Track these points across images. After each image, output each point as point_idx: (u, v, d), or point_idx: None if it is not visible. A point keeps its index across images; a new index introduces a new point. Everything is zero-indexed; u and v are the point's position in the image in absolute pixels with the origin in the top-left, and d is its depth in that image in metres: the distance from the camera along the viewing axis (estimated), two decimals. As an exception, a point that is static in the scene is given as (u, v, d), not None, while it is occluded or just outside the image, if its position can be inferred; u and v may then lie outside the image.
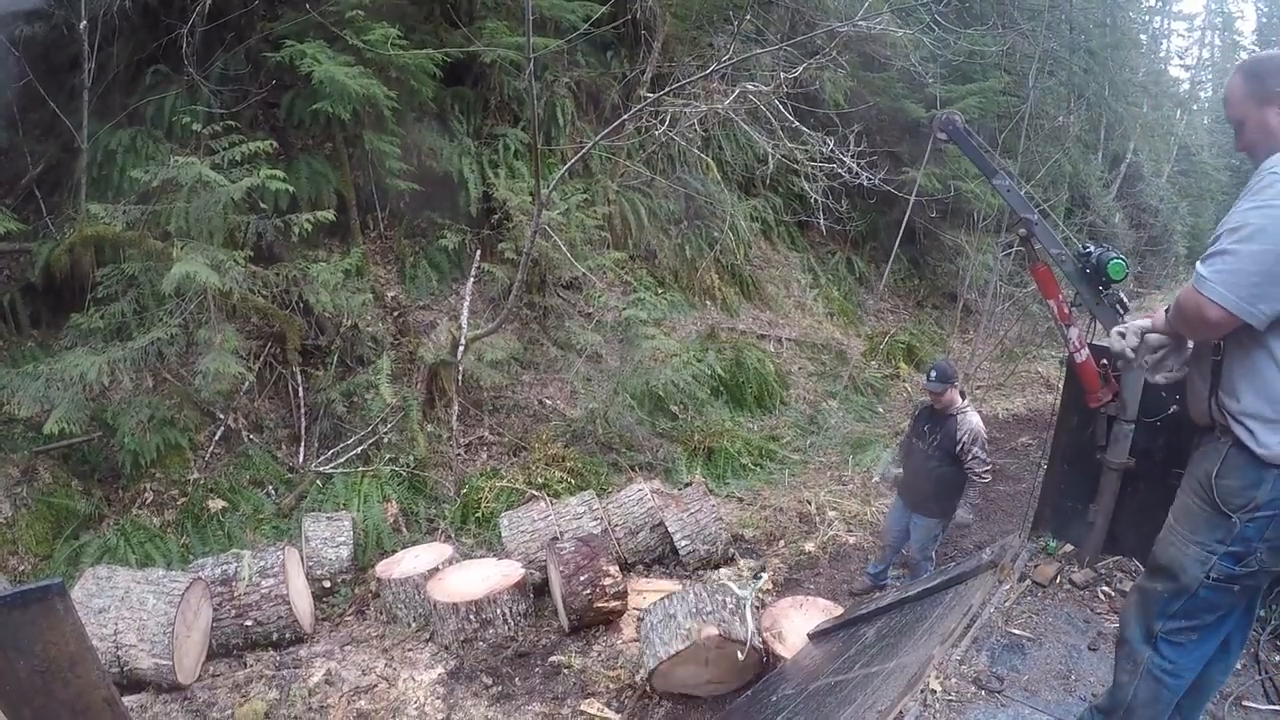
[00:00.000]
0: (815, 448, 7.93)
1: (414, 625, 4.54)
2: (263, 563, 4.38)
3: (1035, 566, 3.33)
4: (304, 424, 6.05)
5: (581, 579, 4.43)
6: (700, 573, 5.19)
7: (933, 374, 4.45)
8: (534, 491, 5.80)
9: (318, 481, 5.75)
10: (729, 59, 6.79)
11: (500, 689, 4.04)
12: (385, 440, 6.08)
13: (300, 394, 6.11)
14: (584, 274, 7.01)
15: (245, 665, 4.17)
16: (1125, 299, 3.17)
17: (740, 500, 6.55)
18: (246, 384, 5.82)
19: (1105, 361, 3.14)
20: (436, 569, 4.61)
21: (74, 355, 4.82)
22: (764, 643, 3.89)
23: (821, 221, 9.62)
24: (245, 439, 5.80)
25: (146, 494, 5.24)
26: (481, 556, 5.12)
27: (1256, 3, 32.91)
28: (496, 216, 7.30)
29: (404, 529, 5.57)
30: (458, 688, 4.03)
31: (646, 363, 6.90)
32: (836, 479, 7.16)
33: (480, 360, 6.56)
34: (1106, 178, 18.34)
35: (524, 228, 6.66)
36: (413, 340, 6.64)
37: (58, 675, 1.77)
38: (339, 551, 4.91)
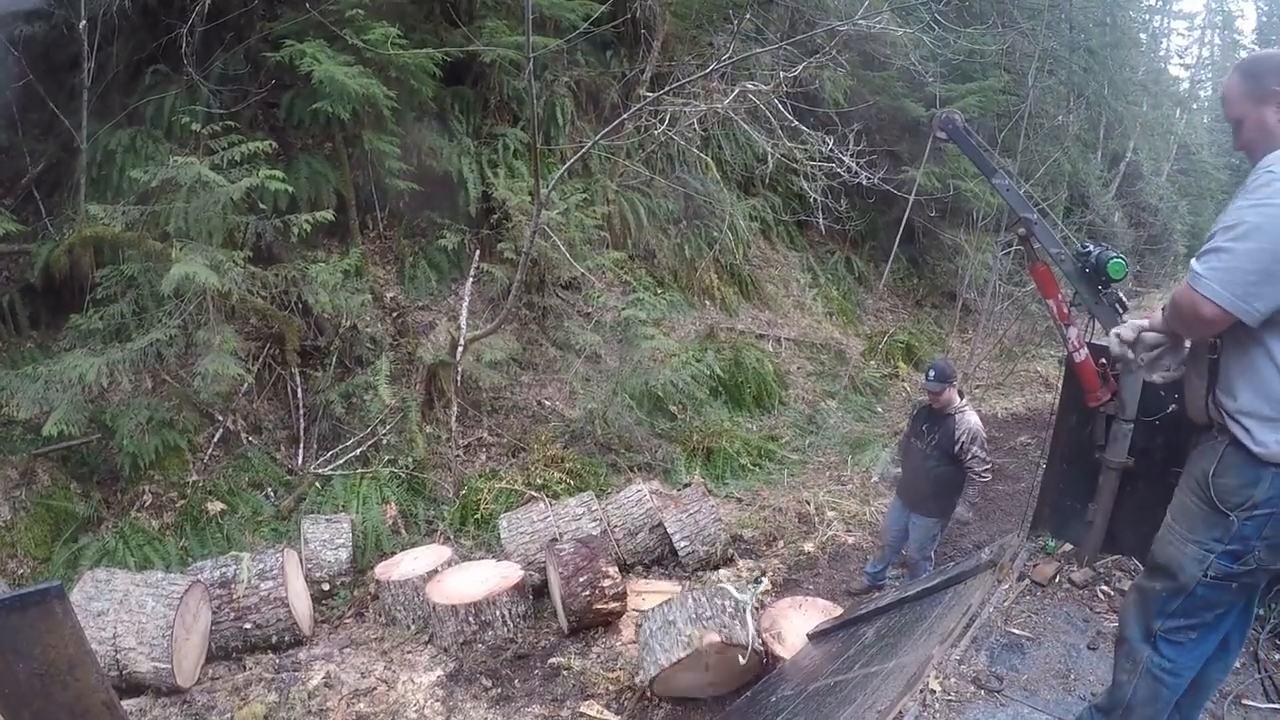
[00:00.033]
0: (814, 448, 7.93)
1: (413, 627, 4.53)
2: (262, 565, 4.38)
3: (1034, 566, 3.32)
4: (303, 425, 6.05)
5: (581, 580, 4.43)
6: (699, 574, 5.19)
7: (931, 373, 4.45)
8: (533, 493, 5.80)
9: (316, 483, 5.74)
10: (728, 58, 6.79)
11: (500, 691, 4.04)
12: (384, 442, 6.08)
13: (299, 395, 6.11)
14: (583, 274, 7.01)
15: (244, 668, 4.17)
16: (1124, 298, 3.17)
17: (739, 501, 6.55)
18: (245, 385, 5.82)
19: (1104, 361, 3.13)
20: (435, 571, 4.61)
21: (73, 356, 4.81)
22: (763, 643, 3.89)
23: (821, 221, 9.61)
24: (244, 441, 5.80)
25: (145, 496, 5.24)
26: (480, 558, 5.11)
27: (1256, 1, 32.91)
28: (496, 216, 7.29)
29: (403, 531, 5.57)
30: (457, 690, 4.03)
31: (645, 363, 6.90)
32: (835, 479, 7.16)
33: (479, 361, 6.55)
34: (1106, 177, 18.34)
35: (523, 228, 6.66)
36: (412, 341, 6.64)
37: (56, 678, 1.76)
38: (338, 554, 4.91)
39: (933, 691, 2.54)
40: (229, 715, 3.79)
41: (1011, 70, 12.49)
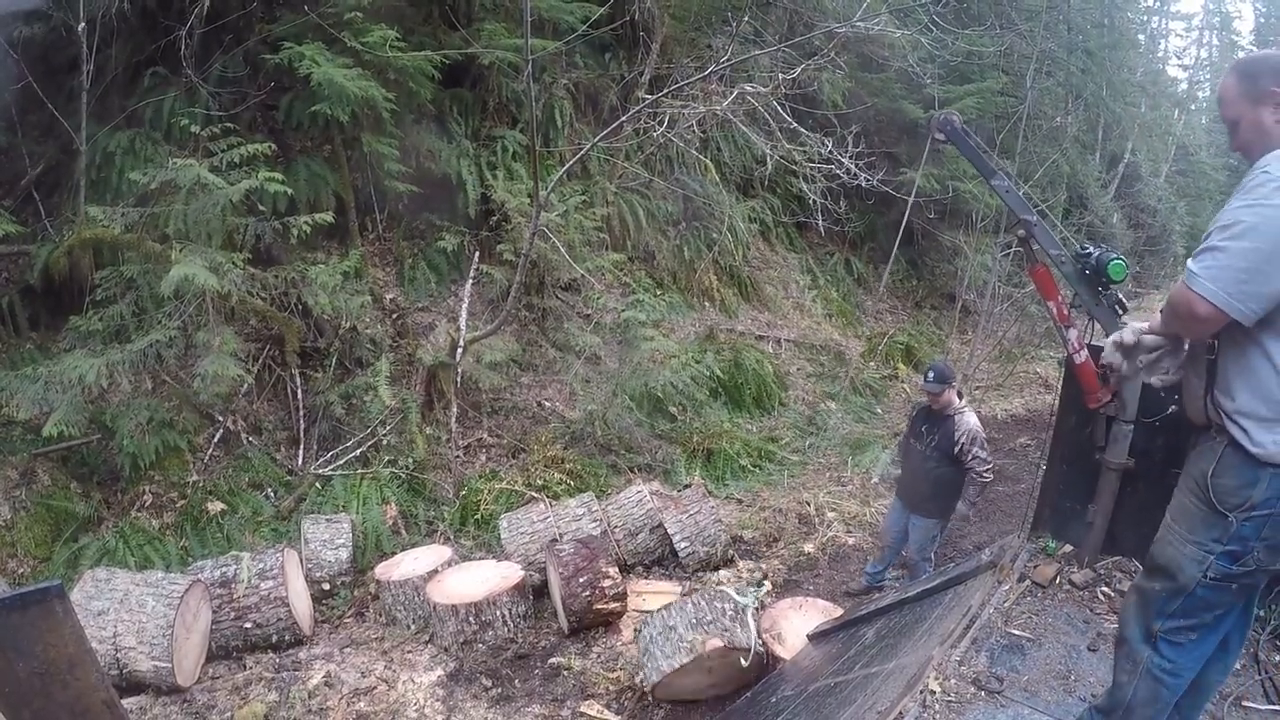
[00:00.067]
0: (814, 449, 7.93)
1: (413, 627, 4.53)
2: (262, 565, 4.38)
3: (1035, 567, 3.33)
4: (303, 426, 6.05)
5: (581, 581, 4.43)
6: (700, 574, 5.19)
7: (930, 375, 4.45)
8: (533, 493, 5.80)
9: (317, 484, 5.74)
10: (727, 60, 6.79)
11: (500, 691, 4.04)
12: (384, 442, 6.08)
13: (299, 396, 6.11)
14: (582, 275, 7.01)
15: (244, 667, 4.17)
16: (1124, 300, 3.17)
17: (739, 501, 6.55)
18: (245, 386, 5.82)
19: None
20: (436, 571, 4.61)
21: (73, 357, 4.82)
22: (764, 644, 3.89)
23: (820, 222, 9.61)
24: (244, 441, 5.80)
25: (145, 496, 5.24)
26: (481, 558, 5.11)
27: (1254, 2, 32.95)
28: (495, 218, 7.30)
29: (403, 531, 5.57)
30: (457, 690, 4.03)
31: (645, 364, 6.90)
32: (835, 480, 7.16)
33: (479, 362, 6.55)
34: (1104, 178, 18.36)
35: (522, 229, 6.66)
36: (411, 342, 6.64)
37: (56, 678, 1.76)
38: (338, 554, 4.91)
39: (933, 692, 2.54)
40: (229, 714, 3.78)
41: (1010, 72, 12.51)
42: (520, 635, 4.46)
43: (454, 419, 6.24)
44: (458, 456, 6.22)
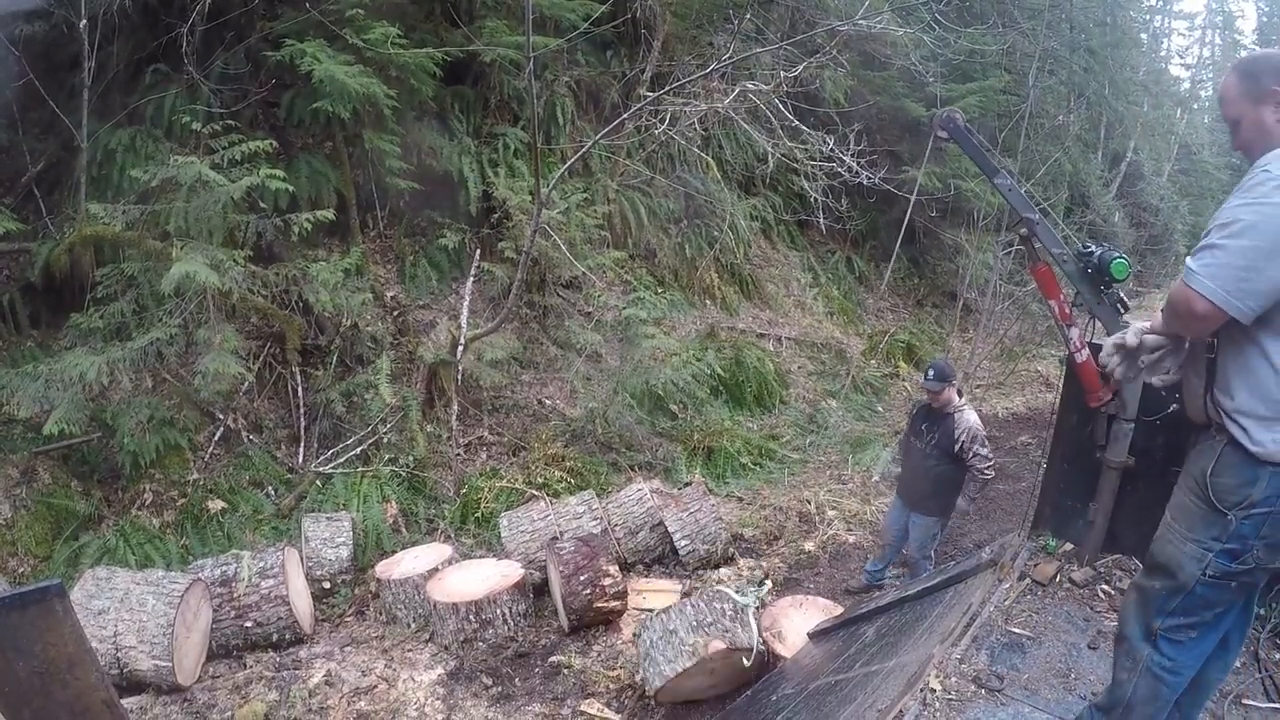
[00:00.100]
0: (815, 447, 7.93)
1: (414, 626, 4.53)
2: (262, 563, 4.38)
3: (1035, 565, 3.32)
4: (303, 424, 6.05)
5: (581, 579, 4.43)
6: (700, 572, 5.18)
7: (930, 373, 4.45)
8: (533, 491, 5.80)
9: (317, 482, 5.75)
10: (729, 58, 6.79)
11: (500, 689, 4.04)
12: (385, 440, 6.08)
13: (300, 394, 6.11)
14: (584, 273, 7.01)
15: (245, 666, 4.17)
16: (1125, 298, 3.17)
17: (740, 500, 6.55)
18: (246, 384, 5.82)
19: None
20: (436, 569, 4.61)
21: (73, 355, 4.82)
22: (764, 643, 3.89)
23: (821, 220, 9.61)
24: (245, 439, 5.80)
25: (146, 495, 5.24)
26: (481, 557, 5.12)
27: (1257, 2, 32.92)
28: (496, 216, 7.30)
29: (403, 529, 5.57)
30: (458, 688, 4.03)
31: (646, 362, 6.90)
32: (836, 478, 7.16)
33: (480, 360, 6.56)
34: (1106, 177, 18.33)
35: (524, 227, 6.66)
36: (412, 340, 6.64)
37: (56, 677, 1.76)
38: (338, 552, 4.91)
39: (933, 690, 2.54)
40: (229, 713, 3.79)
41: (1012, 70, 12.49)
42: (520, 634, 4.46)
43: (455, 417, 6.24)
44: (458, 454, 6.22)
